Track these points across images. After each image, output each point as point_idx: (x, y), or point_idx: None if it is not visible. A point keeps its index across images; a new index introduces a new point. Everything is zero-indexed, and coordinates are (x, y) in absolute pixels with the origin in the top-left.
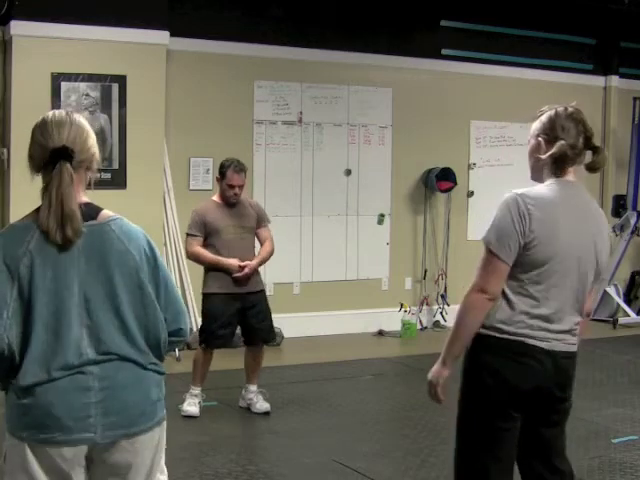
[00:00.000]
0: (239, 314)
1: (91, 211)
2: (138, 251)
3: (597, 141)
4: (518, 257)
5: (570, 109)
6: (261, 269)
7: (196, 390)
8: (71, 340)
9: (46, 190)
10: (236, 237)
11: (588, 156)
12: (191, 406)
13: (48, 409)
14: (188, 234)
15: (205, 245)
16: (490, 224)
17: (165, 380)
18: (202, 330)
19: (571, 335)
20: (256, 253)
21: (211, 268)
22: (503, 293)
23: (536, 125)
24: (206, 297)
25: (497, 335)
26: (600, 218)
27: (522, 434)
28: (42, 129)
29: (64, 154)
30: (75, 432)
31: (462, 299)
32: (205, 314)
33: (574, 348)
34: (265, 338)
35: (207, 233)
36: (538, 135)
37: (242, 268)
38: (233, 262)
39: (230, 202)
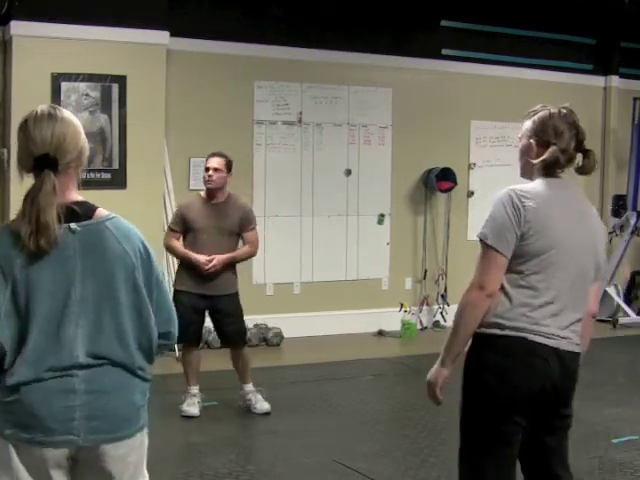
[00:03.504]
0: (207, 313)
1: (86, 210)
2: (134, 251)
3: (594, 143)
4: (516, 249)
5: (564, 111)
6: (261, 269)
7: (193, 390)
8: (64, 341)
9: (27, 196)
10: (213, 237)
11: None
12: (190, 406)
13: (31, 409)
14: (169, 227)
15: (184, 241)
16: (485, 220)
17: (165, 380)
18: None
19: (574, 333)
20: None
21: (183, 264)
22: (502, 288)
23: (528, 125)
24: (175, 293)
25: (498, 332)
26: (595, 218)
27: (525, 441)
28: (25, 132)
29: (48, 162)
30: (57, 434)
31: (461, 298)
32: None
33: (579, 349)
34: (235, 341)
35: (185, 230)
36: (530, 136)
37: (209, 261)
38: (200, 258)
39: (208, 190)
